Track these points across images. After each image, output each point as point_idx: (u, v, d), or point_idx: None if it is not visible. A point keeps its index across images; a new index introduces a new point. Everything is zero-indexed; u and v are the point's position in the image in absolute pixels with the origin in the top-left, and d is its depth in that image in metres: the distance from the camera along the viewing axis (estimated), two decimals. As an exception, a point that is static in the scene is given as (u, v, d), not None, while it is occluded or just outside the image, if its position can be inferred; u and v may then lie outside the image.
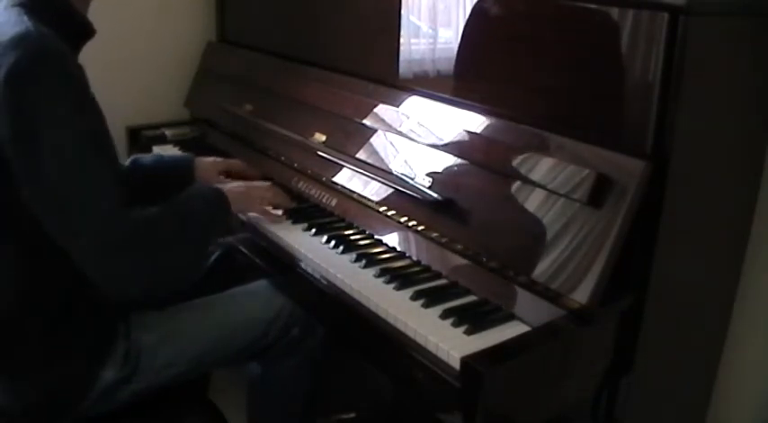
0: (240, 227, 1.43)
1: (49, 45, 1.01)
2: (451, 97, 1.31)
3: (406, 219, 1.28)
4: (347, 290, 1.15)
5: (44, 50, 1.01)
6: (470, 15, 1.26)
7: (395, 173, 1.31)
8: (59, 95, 1.01)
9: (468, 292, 1.11)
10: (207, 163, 1.53)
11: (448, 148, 1.25)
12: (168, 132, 1.97)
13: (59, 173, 1.00)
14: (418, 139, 1.31)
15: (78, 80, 1.05)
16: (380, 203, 1.34)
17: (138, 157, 1.52)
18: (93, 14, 1.21)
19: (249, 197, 1.36)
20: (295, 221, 1.38)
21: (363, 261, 1.20)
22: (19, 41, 0.99)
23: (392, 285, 1.13)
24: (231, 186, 1.35)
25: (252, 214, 1.40)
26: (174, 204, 1.16)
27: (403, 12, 1.40)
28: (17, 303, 1.11)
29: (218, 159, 1.57)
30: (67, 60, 1.04)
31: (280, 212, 1.41)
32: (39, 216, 1.02)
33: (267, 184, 1.44)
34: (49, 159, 0.99)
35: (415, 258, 1.23)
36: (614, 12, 1.02)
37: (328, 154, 1.46)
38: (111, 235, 1.02)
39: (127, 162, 1.49)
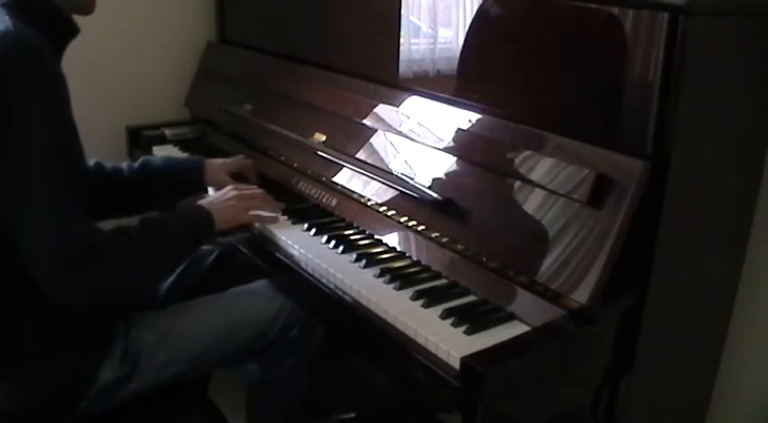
0: (240, 227, 1.43)
1: (27, 44, 1.01)
2: (451, 97, 1.31)
3: (406, 219, 1.28)
4: (347, 290, 1.15)
5: (22, 49, 1.00)
6: (473, 17, 1.26)
7: (395, 173, 1.31)
8: (33, 96, 1.00)
9: (468, 292, 1.11)
10: (216, 165, 1.52)
11: (448, 148, 1.25)
12: (168, 132, 1.97)
13: (19, 177, 1.00)
14: (418, 139, 1.31)
15: (55, 83, 1.05)
16: (380, 203, 1.34)
17: (148, 158, 1.51)
18: (93, 14, 1.21)
19: (236, 211, 1.31)
20: (295, 221, 1.38)
21: (363, 261, 1.20)
22: None
23: (392, 285, 1.13)
24: (218, 204, 1.28)
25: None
26: (145, 232, 1.14)
27: (403, 12, 1.40)
28: (14, 302, 1.11)
29: (228, 160, 1.55)
30: (46, 61, 1.03)
31: (277, 214, 1.40)
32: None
33: (257, 191, 1.41)
34: (13, 161, 0.99)
35: (415, 258, 1.23)
36: (614, 12, 1.02)
37: (328, 154, 1.46)
38: (62, 251, 1.01)
39: (136, 164, 1.47)
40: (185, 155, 1.84)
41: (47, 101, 1.02)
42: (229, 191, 1.34)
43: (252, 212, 1.34)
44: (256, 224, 1.38)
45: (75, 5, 1.16)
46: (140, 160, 1.49)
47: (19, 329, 1.12)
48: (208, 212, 1.24)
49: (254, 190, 1.41)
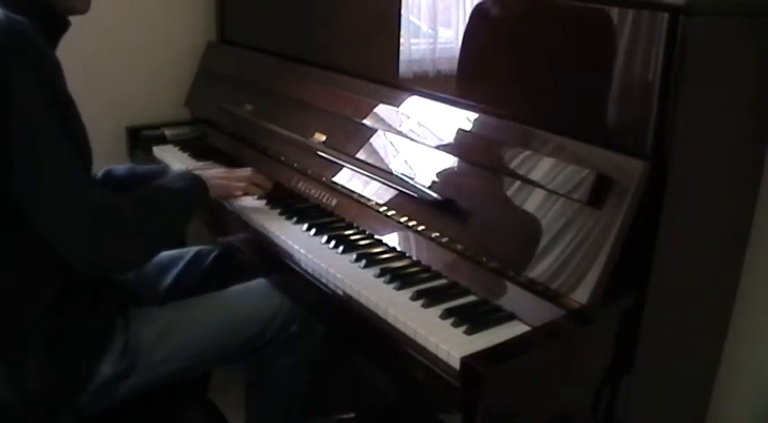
0: (240, 227, 1.43)
1: (21, 30, 1.02)
2: (451, 97, 1.31)
3: (406, 219, 1.28)
4: (347, 290, 1.15)
5: (16, 34, 1.01)
6: (471, 16, 1.26)
7: (395, 173, 1.31)
8: (33, 79, 1.01)
9: (468, 292, 1.11)
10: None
11: (448, 148, 1.25)
12: (168, 132, 1.97)
13: (31, 158, 1.02)
14: (418, 139, 1.31)
15: (52, 65, 1.06)
16: (380, 203, 1.34)
17: (112, 168, 1.51)
18: (93, 14, 1.21)
19: (229, 181, 1.39)
20: (295, 221, 1.38)
21: (363, 261, 1.20)
22: None
23: (392, 285, 1.13)
24: (212, 173, 1.37)
25: (245, 209, 1.43)
26: (147, 192, 1.20)
27: (403, 12, 1.40)
28: (18, 296, 1.11)
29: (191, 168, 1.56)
30: (41, 44, 1.04)
31: (267, 187, 1.47)
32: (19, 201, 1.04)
33: (247, 169, 1.48)
34: (20, 143, 1.01)
35: (415, 258, 1.23)
36: (614, 12, 1.02)
37: (328, 154, 1.46)
38: (77, 219, 1.05)
39: (99, 174, 1.47)
40: (185, 155, 1.85)
41: (46, 81, 1.04)
42: (223, 170, 1.44)
43: (243, 186, 1.41)
44: (254, 223, 1.38)
45: (67, 4, 1.16)
46: (102, 171, 1.49)
47: (21, 323, 1.12)
48: (203, 181, 1.30)
49: (246, 169, 1.49)
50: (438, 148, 1.26)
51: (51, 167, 1.04)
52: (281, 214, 1.42)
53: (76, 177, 1.06)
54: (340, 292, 1.16)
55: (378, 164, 1.35)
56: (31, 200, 1.04)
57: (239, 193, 1.42)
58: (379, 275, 1.16)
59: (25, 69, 1.01)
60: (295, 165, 1.58)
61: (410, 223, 1.27)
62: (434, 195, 1.21)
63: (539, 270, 1.03)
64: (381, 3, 1.45)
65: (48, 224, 1.05)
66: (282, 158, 1.62)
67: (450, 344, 0.96)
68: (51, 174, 1.04)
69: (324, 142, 1.50)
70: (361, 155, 1.40)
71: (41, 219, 1.05)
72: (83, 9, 1.19)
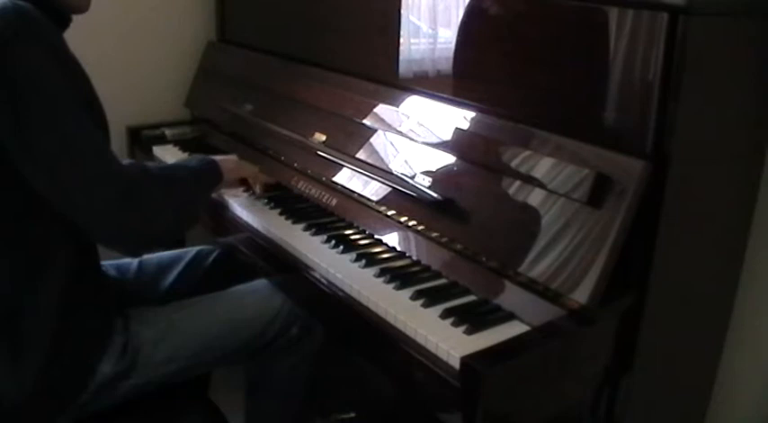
0: (240, 227, 1.43)
1: (28, 14, 1.01)
2: (451, 97, 1.31)
3: (406, 218, 1.28)
4: (347, 289, 1.15)
5: (24, 18, 1.01)
6: (469, 14, 1.26)
7: (395, 173, 1.31)
8: (44, 61, 1.01)
9: (468, 292, 1.11)
10: None
11: (448, 147, 1.25)
12: (168, 132, 1.97)
13: (51, 138, 1.01)
14: (418, 139, 1.31)
15: (62, 46, 1.06)
16: (380, 203, 1.34)
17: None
18: (94, 14, 1.21)
19: (240, 168, 1.45)
20: (295, 221, 1.38)
21: (363, 261, 1.20)
22: None
23: (392, 285, 1.13)
24: (223, 157, 1.40)
25: (245, 209, 1.44)
26: (167, 165, 1.29)
27: (403, 12, 1.40)
28: (16, 294, 1.11)
29: None
30: (49, 26, 1.04)
31: (258, 192, 1.51)
32: (38, 188, 1.03)
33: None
34: (39, 127, 1.01)
35: (415, 258, 1.23)
36: (614, 12, 1.02)
37: (328, 154, 1.46)
38: (109, 189, 1.04)
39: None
40: (185, 155, 1.85)
41: (57, 56, 1.03)
42: (234, 157, 1.48)
43: (250, 176, 1.48)
44: (254, 222, 1.38)
45: (69, 2, 1.16)
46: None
47: (21, 323, 1.12)
48: (216, 162, 1.33)
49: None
50: (438, 147, 1.26)
51: (84, 144, 1.03)
52: (281, 214, 1.42)
53: (104, 151, 1.06)
54: (339, 291, 1.16)
55: (378, 164, 1.35)
56: (64, 180, 1.03)
57: (250, 178, 1.48)
58: (379, 275, 1.16)
59: (40, 50, 1.01)
60: (295, 165, 1.58)
61: (410, 223, 1.27)
62: (434, 195, 1.21)
63: (538, 270, 1.03)
64: (381, 3, 1.45)
65: (73, 203, 1.04)
66: (282, 158, 1.62)
67: (450, 343, 0.96)
68: (84, 150, 1.03)
69: (324, 142, 1.50)
70: (361, 155, 1.40)
71: (65, 201, 1.04)
72: (84, 7, 1.19)
